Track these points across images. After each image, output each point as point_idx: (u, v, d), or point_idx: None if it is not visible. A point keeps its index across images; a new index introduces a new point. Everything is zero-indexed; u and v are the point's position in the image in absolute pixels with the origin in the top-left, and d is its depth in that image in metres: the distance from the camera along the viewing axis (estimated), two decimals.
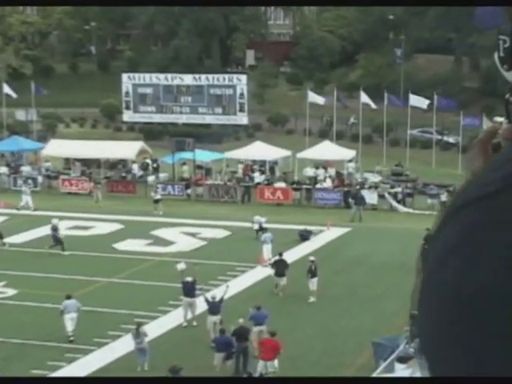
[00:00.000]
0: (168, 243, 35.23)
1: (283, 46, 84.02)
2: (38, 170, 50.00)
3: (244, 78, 59.05)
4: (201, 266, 27.94)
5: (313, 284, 27.30)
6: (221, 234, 36.84)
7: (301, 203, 44.22)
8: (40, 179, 48.23)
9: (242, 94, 57.66)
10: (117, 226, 38.01)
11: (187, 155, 48.26)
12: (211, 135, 59.62)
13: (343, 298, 27.48)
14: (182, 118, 60.26)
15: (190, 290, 24.90)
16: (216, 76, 59.23)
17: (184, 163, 49.00)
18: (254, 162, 50.21)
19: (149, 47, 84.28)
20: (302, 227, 36.52)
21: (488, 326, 0.75)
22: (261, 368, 21.01)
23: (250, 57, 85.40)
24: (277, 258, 28.78)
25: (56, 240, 33.25)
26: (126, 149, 50.30)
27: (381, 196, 42.99)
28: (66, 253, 32.97)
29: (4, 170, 50.00)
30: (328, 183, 45.20)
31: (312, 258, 28.30)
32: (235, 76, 60.21)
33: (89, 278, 29.31)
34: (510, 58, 1.02)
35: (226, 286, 25.91)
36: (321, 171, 47.71)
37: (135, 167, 50.48)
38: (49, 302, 25.80)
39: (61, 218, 35.97)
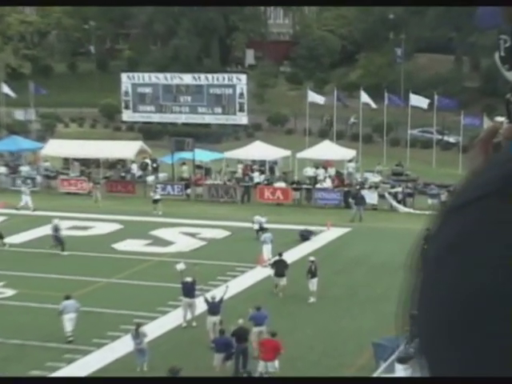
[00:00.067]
0: (167, 243, 35.13)
1: (283, 46, 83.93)
2: (36, 170, 49.91)
3: (244, 77, 58.95)
4: (200, 267, 27.83)
5: (313, 284, 27.23)
6: (220, 234, 36.73)
7: (301, 203, 44.14)
8: (39, 179, 48.18)
9: (241, 94, 57.56)
10: (116, 226, 37.95)
11: (187, 155, 48.18)
12: (211, 135, 59.53)
13: (343, 299, 27.41)
14: (182, 118, 60.15)
15: (189, 291, 24.81)
16: (215, 75, 59.13)
17: (183, 163, 48.91)
18: (254, 161, 50.12)
19: (148, 46, 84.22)
20: (301, 227, 36.41)
21: (488, 326, 0.75)
22: (261, 368, 20.92)
23: (250, 56, 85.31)
24: (276, 258, 28.70)
25: (57, 240, 33.16)
26: (125, 149, 50.21)
27: (381, 196, 42.90)
28: (65, 253, 32.88)
29: (3, 169, 49.94)
30: (328, 183, 45.09)
31: (312, 259, 28.18)
32: (235, 75, 60.11)
33: (88, 279, 29.26)
34: (510, 57, 1.01)
35: (225, 286, 25.85)
36: (321, 171, 47.62)
37: (134, 167, 50.37)
38: (48, 302, 25.66)
39: (60, 219, 35.84)
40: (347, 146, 51.74)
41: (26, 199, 41.49)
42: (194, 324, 24.71)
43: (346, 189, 44.26)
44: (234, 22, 79.84)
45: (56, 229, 33.39)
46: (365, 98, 54.59)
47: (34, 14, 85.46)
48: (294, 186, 44.99)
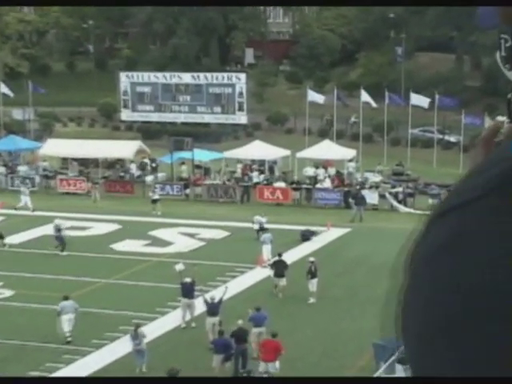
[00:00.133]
0: (166, 244, 35.12)
1: (283, 45, 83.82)
2: (35, 170, 49.80)
3: (243, 76, 58.73)
4: (199, 267, 27.79)
5: (312, 285, 27.15)
6: (220, 234, 36.73)
7: (300, 203, 44.01)
8: (37, 179, 48.09)
9: (241, 93, 57.36)
10: (115, 227, 37.90)
11: (186, 155, 48.06)
12: (210, 134, 59.40)
13: (343, 299, 27.35)
14: (181, 117, 59.93)
15: (188, 291, 24.77)
16: (215, 75, 58.89)
17: (182, 163, 48.78)
18: (253, 161, 49.96)
19: (147, 46, 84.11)
20: (301, 227, 36.34)
21: (475, 327, 0.76)
22: (262, 369, 20.86)
23: (250, 55, 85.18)
24: (276, 258, 28.65)
25: (59, 240, 33.04)
26: (124, 148, 50.03)
27: (381, 196, 42.79)
28: (64, 253, 32.79)
29: (1, 169, 49.81)
30: (327, 183, 44.92)
31: (312, 259, 28.18)
32: (234, 75, 59.88)
33: (86, 279, 29.19)
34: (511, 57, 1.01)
35: (225, 287, 25.88)
36: (321, 171, 47.49)
37: (133, 167, 50.23)
38: (46, 303, 25.58)
39: (58, 219, 35.74)
40: (347, 145, 51.64)
41: (26, 200, 41.37)
42: (193, 325, 24.60)
43: (346, 189, 44.14)
44: (234, 21, 79.73)
45: (58, 229, 33.24)
46: (365, 97, 54.42)
47: (33, 12, 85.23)
48: (294, 185, 44.83)
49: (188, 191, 45.80)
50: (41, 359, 21.98)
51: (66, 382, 20.88)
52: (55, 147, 50.07)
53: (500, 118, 1.02)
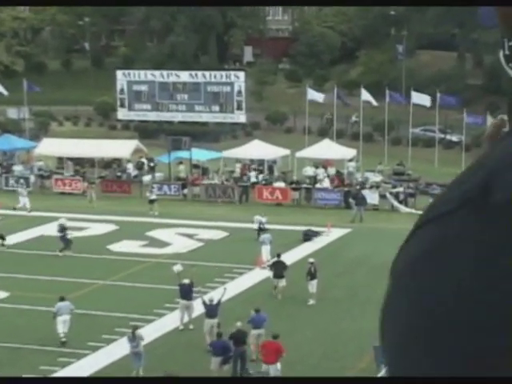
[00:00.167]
0: (164, 244, 35.10)
1: (282, 43, 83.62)
2: (30, 170, 49.56)
3: (242, 74, 58.36)
4: (198, 268, 27.67)
5: (312, 286, 27.04)
6: (218, 234, 36.74)
7: (300, 203, 43.79)
8: (32, 179, 47.89)
9: (239, 92, 57.01)
10: (111, 227, 37.86)
11: (183, 154, 47.93)
12: (208, 134, 59.23)
13: (343, 300, 27.25)
14: (178, 116, 59.60)
15: (187, 293, 24.70)
16: (213, 73, 58.50)
17: (180, 162, 48.60)
18: (252, 161, 49.65)
19: (144, 43, 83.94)
20: (300, 228, 36.28)
21: (448, 337, 0.80)
22: (263, 370, 20.90)
23: (248, 53, 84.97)
24: (275, 259, 28.56)
25: (64, 241, 32.91)
26: (121, 148, 49.66)
27: (382, 196, 42.69)
28: (60, 254, 32.61)
29: None
30: (326, 183, 44.60)
31: (311, 260, 28.28)
32: (233, 73, 59.45)
33: (83, 280, 29.03)
34: None
35: (223, 288, 25.93)
36: (320, 170, 47.25)
37: (130, 166, 49.96)
38: (42, 304, 25.48)
39: (54, 219, 35.68)
40: (347, 144, 51.53)
41: (24, 201, 41.25)
42: (191, 327, 24.50)
43: (346, 189, 43.89)
44: (232, 19, 79.62)
45: (62, 228, 33.00)
46: (365, 95, 54.14)
47: (28, 10, 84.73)
48: (293, 185, 44.54)
49: (186, 191, 45.59)
50: (36, 362, 21.90)
51: (66, 381, 20.95)
52: (51, 146, 49.79)
53: (504, 117, 1.00)
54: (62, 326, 23.05)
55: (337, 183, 45.26)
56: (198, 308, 24.18)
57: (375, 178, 46.08)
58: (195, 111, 58.31)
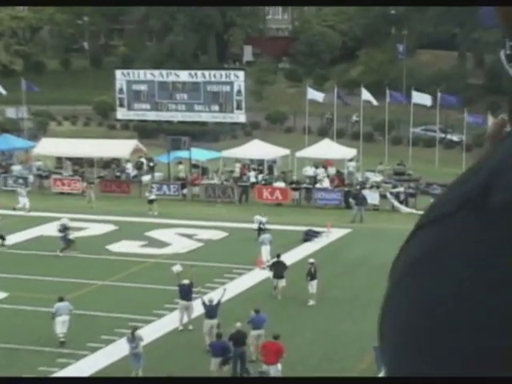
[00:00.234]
0: (163, 245, 35.00)
1: (282, 42, 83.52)
2: (28, 170, 49.43)
3: (241, 74, 58.18)
4: (197, 268, 27.48)
5: (312, 287, 26.97)
6: (217, 235, 36.63)
7: (300, 203, 43.67)
8: (31, 179, 47.79)
9: (239, 91, 56.85)
10: (110, 227, 37.76)
11: (183, 154, 47.84)
12: (208, 133, 59.16)
13: (344, 301, 27.16)
14: (178, 116, 59.44)
15: (186, 293, 24.63)
16: (212, 72, 58.31)
17: (180, 162, 48.51)
18: (252, 161, 49.53)
19: (143, 43, 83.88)
20: (300, 228, 36.14)
21: (448, 337, 0.80)
22: (263, 370, 20.81)
23: (248, 53, 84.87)
24: (275, 259, 28.48)
25: (65, 241, 32.81)
26: (120, 147, 49.53)
27: (382, 196, 42.58)
28: (61, 254, 32.50)
29: None
30: (326, 183, 44.47)
31: (311, 261, 28.15)
32: (232, 72, 59.26)
33: (82, 281, 28.91)
34: None
35: (223, 288, 25.82)
36: (321, 170, 47.13)
37: (129, 166, 49.84)
38: (40, 305, 25.42)
39: (53, 219, 35.56)
40: (348, 144, 51.46)
41: (24, 201, 41.12)
42: (191, 327, 24.42)
43: (346, 189, 43.77)
44: (232, 18, 79.57)
45: (64, 228, 32.92)
46: (366, 95, 53.96)
47: (26, 9, 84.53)
48: (293, 185, 44.42)
49: (185, 191, 45.48)
50: (34, 363, 21.80)
51: (65, 381, 20.94)
52: (49, 146, 49.67)
53: (505, 116, 0.99)
54: (60, 326, 22.99)
55: (337, 183, 45.15)
56: (197, 308, 24.08)
57: (375, 177, 46.03)
58: (195, 111, 58.15)
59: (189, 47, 76.71)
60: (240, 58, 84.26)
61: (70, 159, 49.95)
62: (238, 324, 21.70)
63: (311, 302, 26.73)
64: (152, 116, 59.99)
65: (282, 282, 27.31)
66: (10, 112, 66.30)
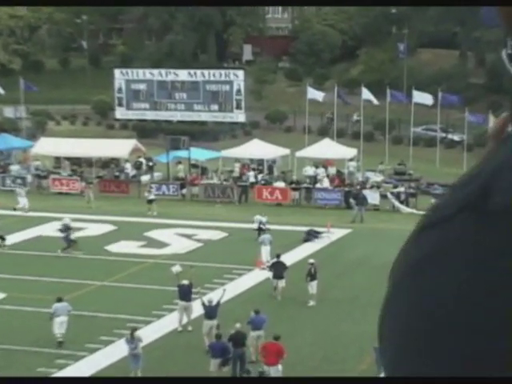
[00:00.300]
0: (162, 245, 34.93)
1: (282, 41, 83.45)
2: (27, 169, 49.32)
3: (241, 73, 58.02)
4: (196, 269, 27.34)
5: (312, 287, 26.92)
6: (217, 235, 36.56)
7: (300, 203, 43.55)
8: (29, 178, 47.69)
9: (239, 91, 56.69)
10: (109, 228, 37.65)
11: (182, 154, 47.73)
12: (207, 133, 59.07)
13: (344, 302, 27.11)
14: (177, 116, 59.27)
15: (185, 294, 24.57)
16: (212, 72, 58.15)
17: (179, 162, 48.42)
18: (252, 160, 49.41)
19: (142, 42, 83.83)
20: (300, 228, 36.01)
21: (448, 339, 0.81)
22: (263, 370, 20.75)
23: (248, 52, 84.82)
24: (274, 260, 28.43)
25: (67, 241, 32.68)
26: (119, 147, 49.42)
27: (383, 196, 42.47)
28: (61, 254, 32.47)
29: None
30: (326, 182, 44.35)
31: (311, 261, 28.08)
32: (232, 72, 59.10)
33: (80, 281, 28.83)
34: None
35: (222, 289, 25.62)
36: (321, 170, 47.01)
37: (128, 166, 49.73)
38: (39, 305, 25.34)
39: (51, 219, 35.43)
40: (348, 144, 51.39)
41: (24, 201, 41.03)
42: (190, 328, 24.35)
43: (346, 189, 43.66)
44: (231, 17, 79.56)
45: (65, 229, 32.80)
46: (366, 94, 53.84)
47: (25, 8, 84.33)
48: (293, 185, 44.30)
49: (184, 191, 45.38)
50: (33, 364, 21.74)
51: (65, 381, 20.95)
52: (48, 146, 49.55)
53: (507, 115, 0.98)
54: (58, 326, 22.93)
55: (337, 183, 45.05)
56: (196, 309, 24.01)
57: (376, 177, 45.98)
58: (194, 110, 57.98)
59: (188, 46, 76.66)
60: (240, 57, 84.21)
61: (68, 159, 49.85)
62: (238, 325, 21.65)
63: (311, 303, 26.67)
64: (151, 115, 59.82)
65: (282, 283, 27.25)
66: (8, 111, 66.24)
